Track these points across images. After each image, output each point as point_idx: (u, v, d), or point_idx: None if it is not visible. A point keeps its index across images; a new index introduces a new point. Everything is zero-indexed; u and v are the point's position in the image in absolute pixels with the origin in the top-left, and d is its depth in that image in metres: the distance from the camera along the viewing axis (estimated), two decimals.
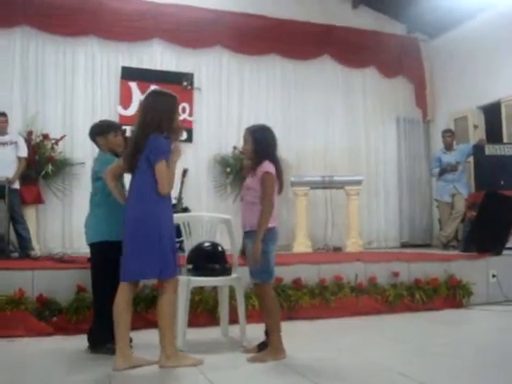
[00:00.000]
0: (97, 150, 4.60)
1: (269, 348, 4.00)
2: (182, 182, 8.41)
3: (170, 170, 3.74)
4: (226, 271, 4.50)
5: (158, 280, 3.86)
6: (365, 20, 10.63)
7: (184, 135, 8.97)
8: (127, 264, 3.71)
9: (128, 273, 3.72)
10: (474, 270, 6.56)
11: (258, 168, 3.99)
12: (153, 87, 8.99)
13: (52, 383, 3.42)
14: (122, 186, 4.31)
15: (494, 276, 6.64)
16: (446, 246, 8.68)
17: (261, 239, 3.88)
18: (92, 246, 4.30)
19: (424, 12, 9.84)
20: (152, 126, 3.71)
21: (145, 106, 3.89)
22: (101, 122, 4.78)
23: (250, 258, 3.99)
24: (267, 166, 3.96)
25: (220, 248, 4.56)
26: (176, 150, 3.80)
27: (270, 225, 3.95)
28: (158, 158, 3.66)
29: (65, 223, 8.59)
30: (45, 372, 3.67)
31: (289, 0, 10.05)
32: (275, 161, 4.04)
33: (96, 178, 4.31)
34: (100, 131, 4.49)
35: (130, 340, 4.01)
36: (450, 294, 6.25)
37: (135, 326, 4.07)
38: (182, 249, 5.57)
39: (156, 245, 3.67)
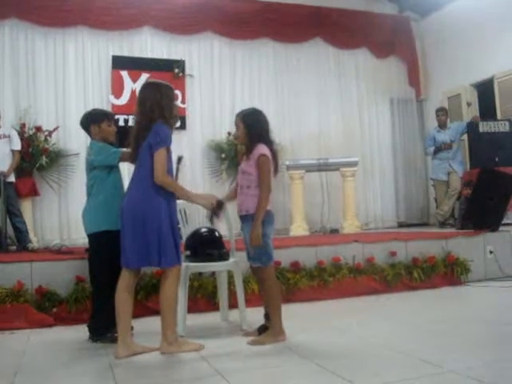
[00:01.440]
0: (89, 140, 4.56)
1: (269, 330, 4.02)
2: (177, 169, 8.37)
3: (182, 190, 3.81)
4: (223, 256, 4.51)
5: (160, 268, 3.87)
6: (356, 1, 10.57)
7: (178, 123, 8.94)
8: (126, 251, 3.72)
9: (125, 260, 3.74)
10: (471, 247, 6.60)
11: (252, 151, 3.97)
12: (144, 75, 9.07)
13: (54, 373, 3.43)
14: (119, 174, 4.34)
15: (491, 252, 6.68)
16: (442, 225, 8.70)
17: (260, 222, 3.87)
18: (90, 236, 4.29)
19: None
20: (155, 115, 3.73)
21: (143, 97, 3.86)
22: (94, 110, 4.73)
23: (248, 242, 3.98)
24: (262, 149, 3.94)
25: (217, 233, 4.57)
26: (207, 198, 3.92)
27: (267, 208, 3.95)
28: (160, 145, 3.66)
29: (61, 214, 8.60)
30: (47, 362, 3.69)
31: None
32: (269, 143, 4.02)
33: (91, 166, 4.27)
34: (93, 119, 4.42)
35: (131, 328, 4.03)
36: (448, 272, 6.29)
37: (136, 314, 4.07)
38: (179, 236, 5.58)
39: (155, 233, 3.66)
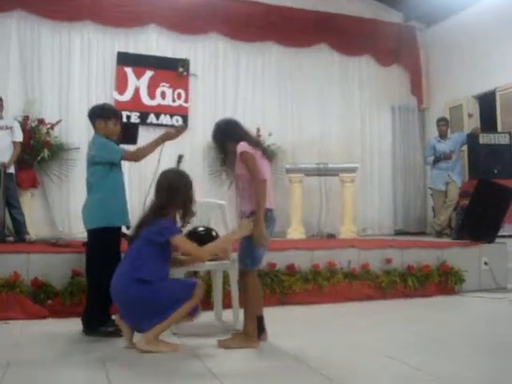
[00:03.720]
0: (92, 134, 4.54)
1: (241, 334, 3.96)
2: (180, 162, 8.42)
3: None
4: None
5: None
6: (362, 8, 10.64)
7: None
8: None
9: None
10: (466, 258, 6.62)
11: (235, 154, 3.91)
12: (149, 72, 9.11)
13: (47, 365, 3.45)
14: (121, 171, 4.36)
15: (486, 263, 6.70)
16: (439, 234, 8.74)
17: (261, 218, 3.77)
18: (89, 231, 4.30)
19: (420, 0, 9.84)
20: (167, 210, 3.85)
21: (172, 186, 3.92)
22: (104, 104, 4.66)
23: (243, 243, 3.92)
24: (240, 147, 3.87)
25: (214, 233, 4.58)
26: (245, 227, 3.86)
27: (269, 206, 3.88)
28: (174, 235, 3.79)
29: (60, 207, 8.61)
30: (39, 354, 3.71)
31: None
32: (245, 138, 3.98)
33: (93, 162, 4.26)
34: (102, 114, 4.39)
35: None
36: (442, 281, 6.32)
37: None
38: None
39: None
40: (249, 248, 3.86)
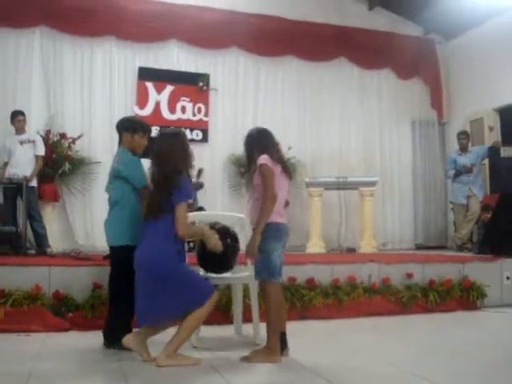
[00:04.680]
0: (114, 148, 4.55)
1: (263, 348, 3.96)
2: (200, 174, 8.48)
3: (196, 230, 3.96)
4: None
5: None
6: (381, 21, 10.65)
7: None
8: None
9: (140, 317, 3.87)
10: (487, 272, 6.54)
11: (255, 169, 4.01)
12: (169, 87, 9.19)
13: (67, 377, 3.47)
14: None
15: (508, 278, 6.62)
16: (460, 248, 8.65)
17: (259, 232, 3.84)
18: (112, 248, 4.32)
19: (440, 14, 9.82)
20: (171, 172, 3.81)
21: (158, 153, 3.93)
22: (133, 117, 4.69)
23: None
24: (261, 159, 3.94)
25: (232, 231, 4.34)
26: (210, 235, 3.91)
27: (274, 220, 3.90)
28: (180, 199, 3.77)
29: (81, 221, 8.69)
30: (60, 366, 3.72)
31: (305, 1, 10.10)
32: (272, 152, 4.02)
33: (117, 175, 4.27)
34: (129, 127, 4.41)
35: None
36: (464, 296, 6.24)
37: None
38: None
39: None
40: (263, 260, 3.89)
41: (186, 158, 3.94)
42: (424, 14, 10.35)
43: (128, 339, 3.81)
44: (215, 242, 3.90)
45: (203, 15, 9.41)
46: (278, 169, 3.98)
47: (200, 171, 8.48)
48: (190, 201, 4.02)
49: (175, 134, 4.13)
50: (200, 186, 8.20)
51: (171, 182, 3.78)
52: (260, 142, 4.11)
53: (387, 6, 10.70)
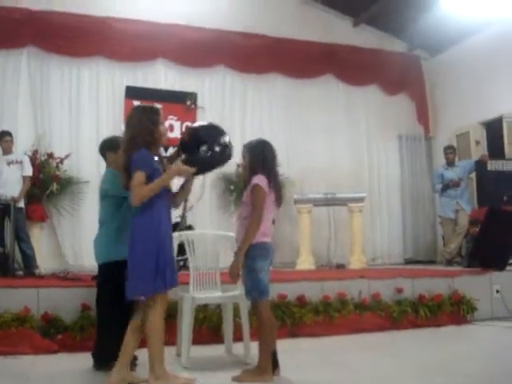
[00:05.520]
0: (102, 168, 4.56)
1: (255, 368, 3.92)
2: (186, 200, 8.39)
3: (153, 185, 3.64)
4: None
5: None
6: (366, 38, 10.76)
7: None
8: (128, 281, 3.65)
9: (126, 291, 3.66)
10: (477, 286, 6.57)
11: (250, 182, 3.98)
12: (157, 106, 9.16)
13: None
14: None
15: (497, 291, 6.64)
16: (449, 262, 8.67)
17: (243, 253, 3.83)
18: (100, 265, 4.29)
19: (425, 30, 9.92)
20: (131, 143, 3.68)
21: (125, 124, 3.90)
22: (113, 137, 4.65)
23: (243, 275, 3.95)
24: (257, 179, 3.92)
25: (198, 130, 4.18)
26: (174, 169, 3.78)
27: (260, 240, 3.90)
28: (135, 169, 3.60)
29: (70, 241, 8.63)
30: None
31: (290, 19, 10.19)
32: (271, 174, 4.00)
33: (105, 195, 4.27)
34: (111, 146, 4.42)
35: (136, 358, 4.02)
36: (454, 310, 6.26)
37: (140, 344, 4.06)
38: (186, 266, 5.55)
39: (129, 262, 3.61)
40: (253, 280, 3.87)
41: (148, 134, 3.71)
42: (409, 30, 10.45)
43: (112, 381, 3.65)
44: (187, 170, 3.79)
45: (190, 34, 9.45)
46: (271, 196, 3.98)
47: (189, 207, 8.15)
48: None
49: (148, 108, 3.97)
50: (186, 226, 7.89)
51: (131, 155, 3.64)
52: (266, 159, 4.04)
53: (372, 23, 10.81)
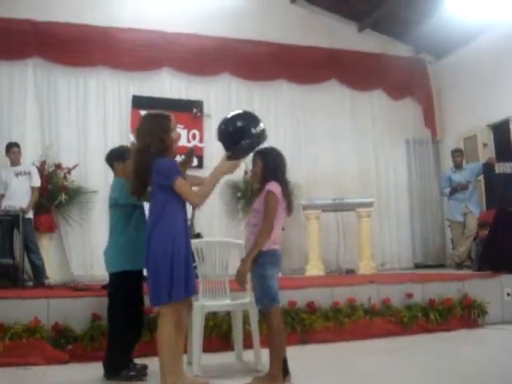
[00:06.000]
0: (110, 177, 4.59)
1: (266, 375, 3.92)
2: (194, 208, 8.42)
3: (211, 180, 3.73)
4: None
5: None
6: (371, 43, 10.77)
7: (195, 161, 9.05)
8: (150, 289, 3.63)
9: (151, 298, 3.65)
10: (488, 289, 6.52)
11: (263, 188, 3.98)
12: None
13: None
14: (143, 213, 4.30)
15: (508, 294, 6.60)
16: (459, 266, 8.63)
17: (250, 259, 3.83)
18: (111, 275, 4.30)
19: (429, 33, 9.93)
20: (145, 153, 3.65)
21: (136, 134, 3.88)
22: (120, 146, 4.70)
23: (254, 283, 3.94)
24: (271, 186, 3.93)
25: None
26: (230, 164, 3.79)
27: (270, 247, 3.90)
28: (171, 178, 3.58)
29: (79, 251, 8.65)
30: None
31: (295, 25, 10.21)
32: (283, 182, 4.01)
33: (114, 204, 4.28)
34: (118, 156, 4.45)
35: (146, 367, 4.02)
36: (465, 314, 6.21)
37: (151, 353, 4.07)
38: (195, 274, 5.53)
39: (151, 270, 3.59)
40: (263, 287, 3.87)
41: (162, 140, 3.70)
42: (414, 34, 10.45)
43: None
44: (235, 165, 3.82)
45: (194, 42, 9.49)
46: (283, 204, 3.98)
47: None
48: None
49: (159, 115, 3.90)
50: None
51: (148, 164, 3.62)
52: (279, 167, 4.06)
53: (377, 27, 10.82)
